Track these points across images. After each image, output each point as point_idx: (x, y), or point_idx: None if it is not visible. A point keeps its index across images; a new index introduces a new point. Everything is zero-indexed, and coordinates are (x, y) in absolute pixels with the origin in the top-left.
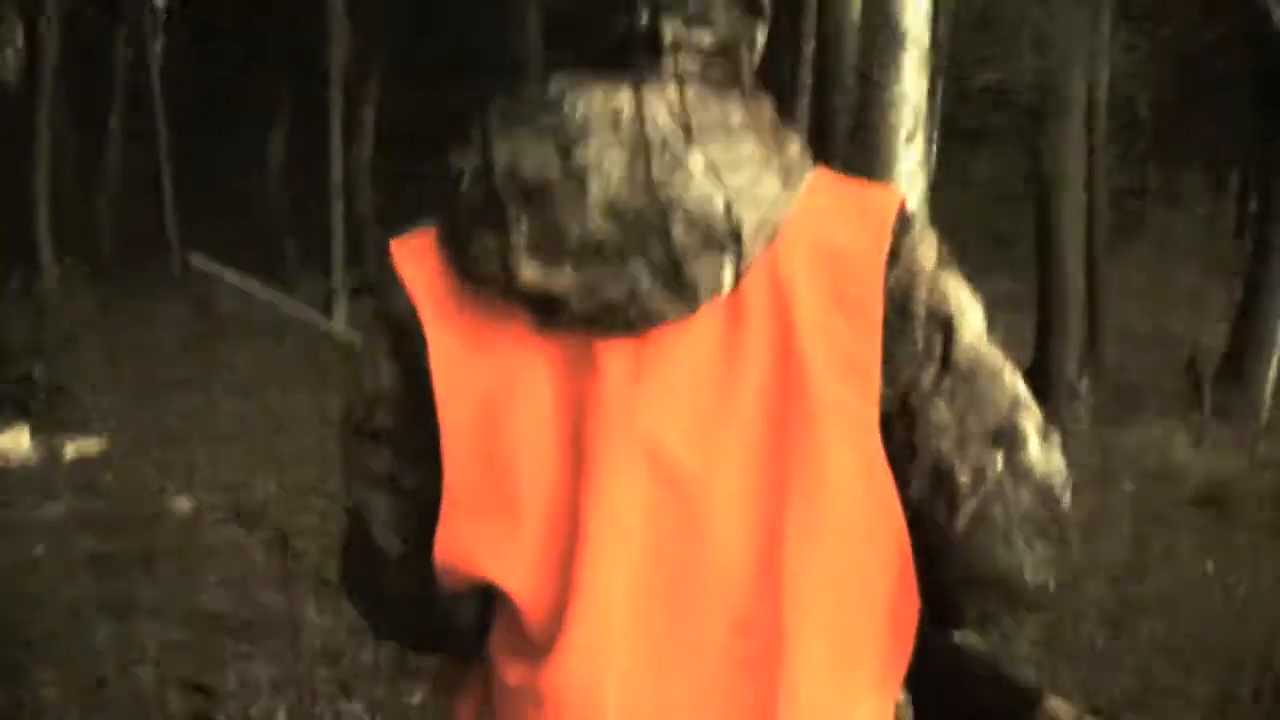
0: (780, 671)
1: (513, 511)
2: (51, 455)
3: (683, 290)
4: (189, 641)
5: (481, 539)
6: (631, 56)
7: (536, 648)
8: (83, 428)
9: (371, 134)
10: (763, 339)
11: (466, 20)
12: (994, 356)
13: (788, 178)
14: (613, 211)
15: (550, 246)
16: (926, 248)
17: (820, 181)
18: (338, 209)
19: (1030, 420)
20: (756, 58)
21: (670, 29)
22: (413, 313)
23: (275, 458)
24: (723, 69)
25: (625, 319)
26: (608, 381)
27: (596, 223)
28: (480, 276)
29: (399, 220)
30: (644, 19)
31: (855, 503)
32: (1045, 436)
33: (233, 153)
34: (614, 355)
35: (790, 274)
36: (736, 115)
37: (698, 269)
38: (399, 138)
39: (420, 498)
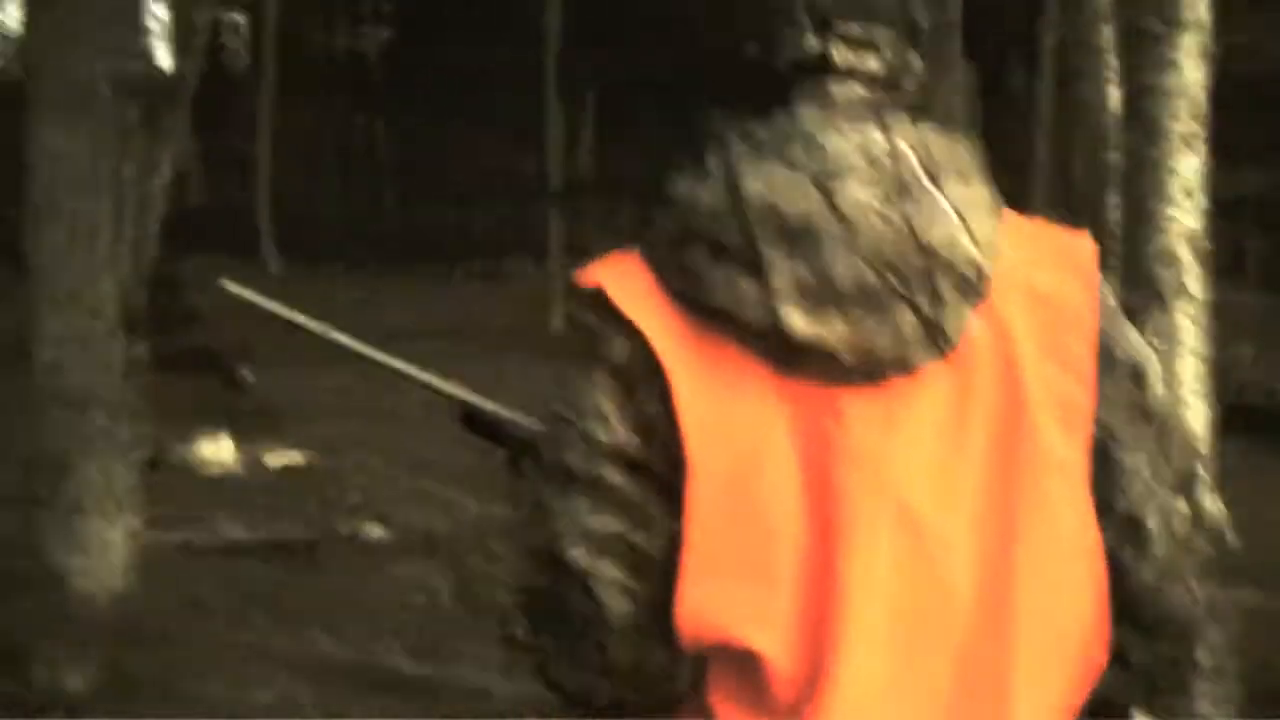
0: (1008, 706)
1: (766, 571)
2: (253, 465)
3: (938, 338)
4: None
5: (733, 600)
6: (804, 84)
7: (784, 710)
8: (287, 438)
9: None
10: (991, 385)
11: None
12: (1171, 405)
13: (998, 219)
14: (879, 257)
15: (816, 293)
16: (1110, 295)
17: (1015, 221)
18: (554, 210)
19: (1202, 467)
20: (915, 90)
21: (839, 53)
22: (648, 362)
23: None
24: (905, 98)
25: (878, 370)
26: (855, 432)
27: (863, 269)
28: (720, 318)
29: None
30: (812, 43)
31: (1072, 549)
32: (1206, 484)
33: (452, 147)
34: (858, 406)
35: (1009, 319)
36: (961, 155)
37: (953, 316)
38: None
39: (652, 561)
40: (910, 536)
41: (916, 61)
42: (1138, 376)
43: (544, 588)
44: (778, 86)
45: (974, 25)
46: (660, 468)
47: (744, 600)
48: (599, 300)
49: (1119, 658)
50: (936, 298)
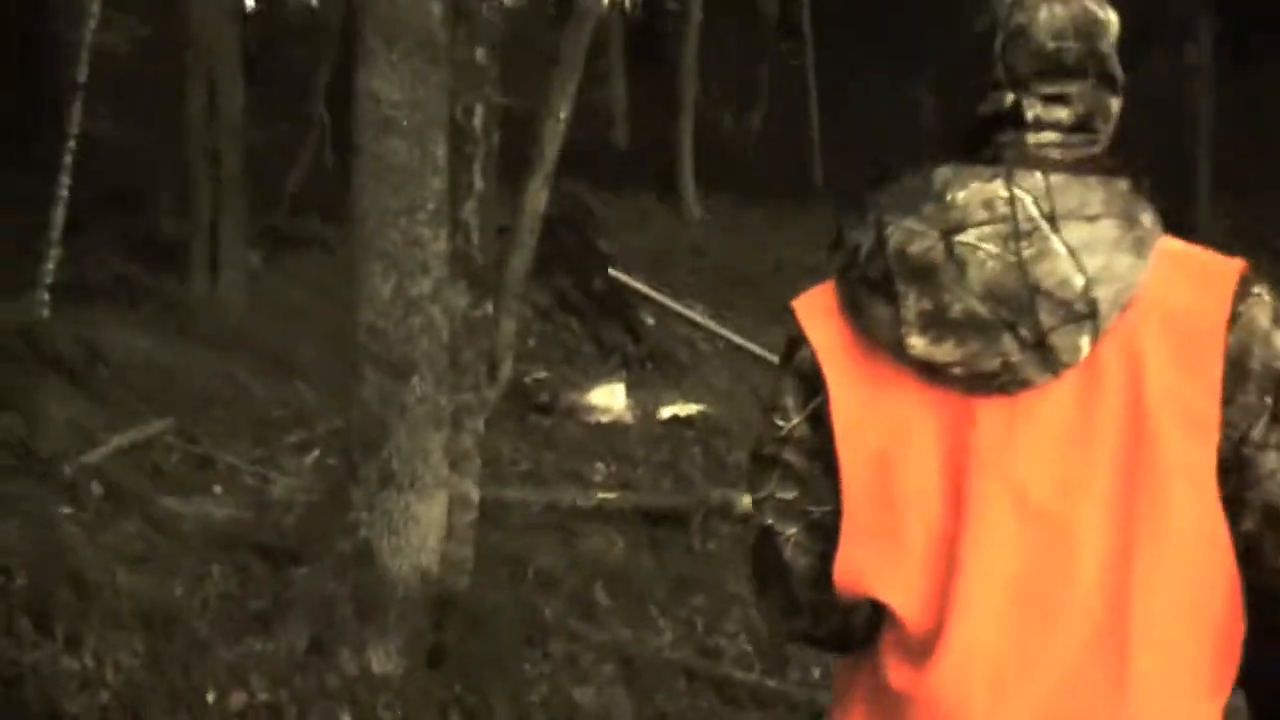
0: (1127, 684)
1: (900, 541)
2: (643, 415)
3: (1047, 359)
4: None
5: (872, 563)
6: (1000, 133)
7: (917, 654)
8: (682, 387)
9: None
10: (1117, 399)
11: None
12: None
13: (1140, 250)
14: (988, 292)
15: (935, 321)
16: (1263, 310)
17: (1168, 250)
18: None
19: None
20: (1111, 128)
21: (1031, 110)
22: (817, 368)
23: None
24: (1082, 139)
25: (999, 384)
26: (983, 435)
27: (974, 302)
28: (876, 339)
29: None
30: (1009, 100)
31: (1194, 542)
32: None
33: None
34: (989, 412)
35: (1142, 339)
36: (1095, 200)
37: (1059, 341)
38: None
39: (824, 525)
40: (1032, 522)
41: (1113, 105)
42: (1276, 385)
43: (753, 546)
44: (981, 136)
45: None
46: (828, 453)
47: (881, 562)
48: (793, 318)
49: (1271, 632)
50: (1040, 326)
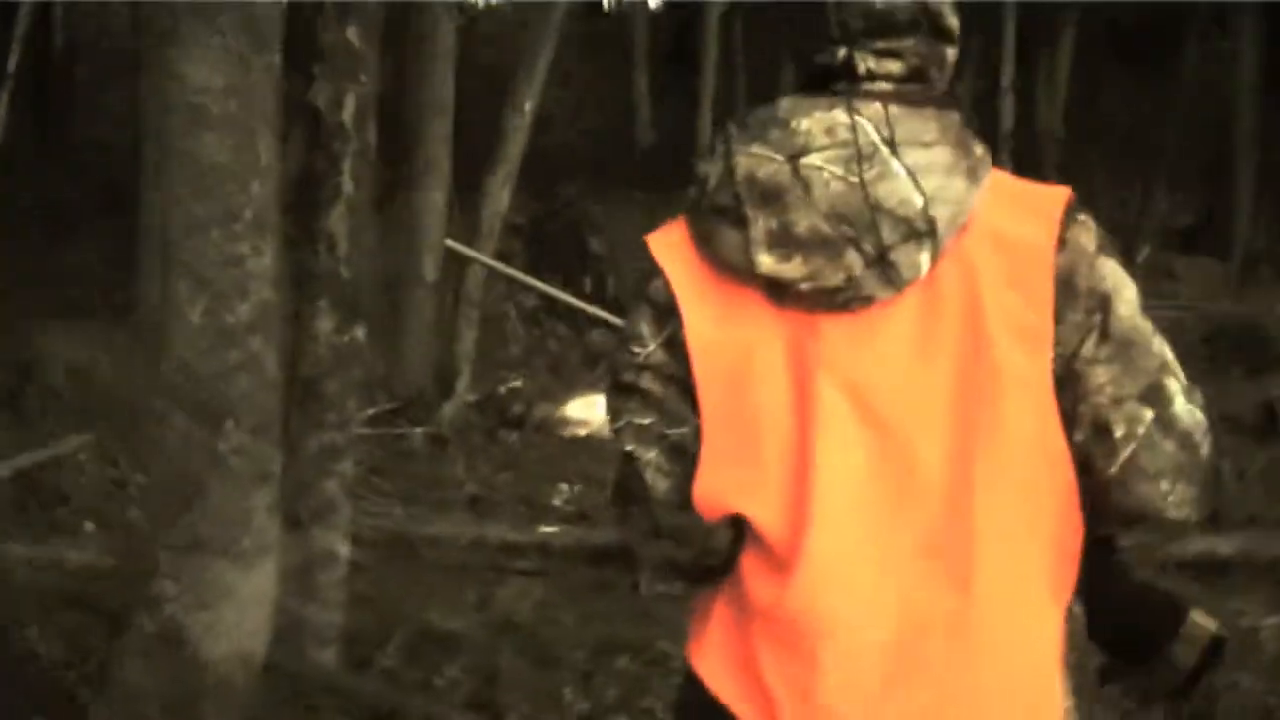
0: (971, 583)
1: (757, 457)
2: None
3: (889, 275)
4: None
5: (733, 479)
6: (835, 82)
7: (777, 569)
8: None
9: None
10: (956, 315)
11: None
12: (1145, 327)
13: (973, 177)
14: (833, 211)
15: (782, 239)
16: (1088, 235)
17: (1000, 180)
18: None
19: (1175, 381)
20: (947, 75)
21: (863, 63)
22: (671, 296)
23: None
24: (916, 88)
25: (843, 300)
26: (830, 350)
27: (819, 220)
28: (726, 264)
29: None
30: (841, 54)
31: (1031, 449)
32: (1189, 395)
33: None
34: (835, 328)
35: (977, 260)
36: (931, 129)
37: (900, 257)
38: None
39: (682, 446)
40: (876, 433)
41: (948, 54)
42: (1103, 302)
43: (615, 474)
44: (821, 85)
45: None
46: (684, 377)
47: (739, 478)
48: (646, 251)
49: (1107, 541)
50: (882, 243)
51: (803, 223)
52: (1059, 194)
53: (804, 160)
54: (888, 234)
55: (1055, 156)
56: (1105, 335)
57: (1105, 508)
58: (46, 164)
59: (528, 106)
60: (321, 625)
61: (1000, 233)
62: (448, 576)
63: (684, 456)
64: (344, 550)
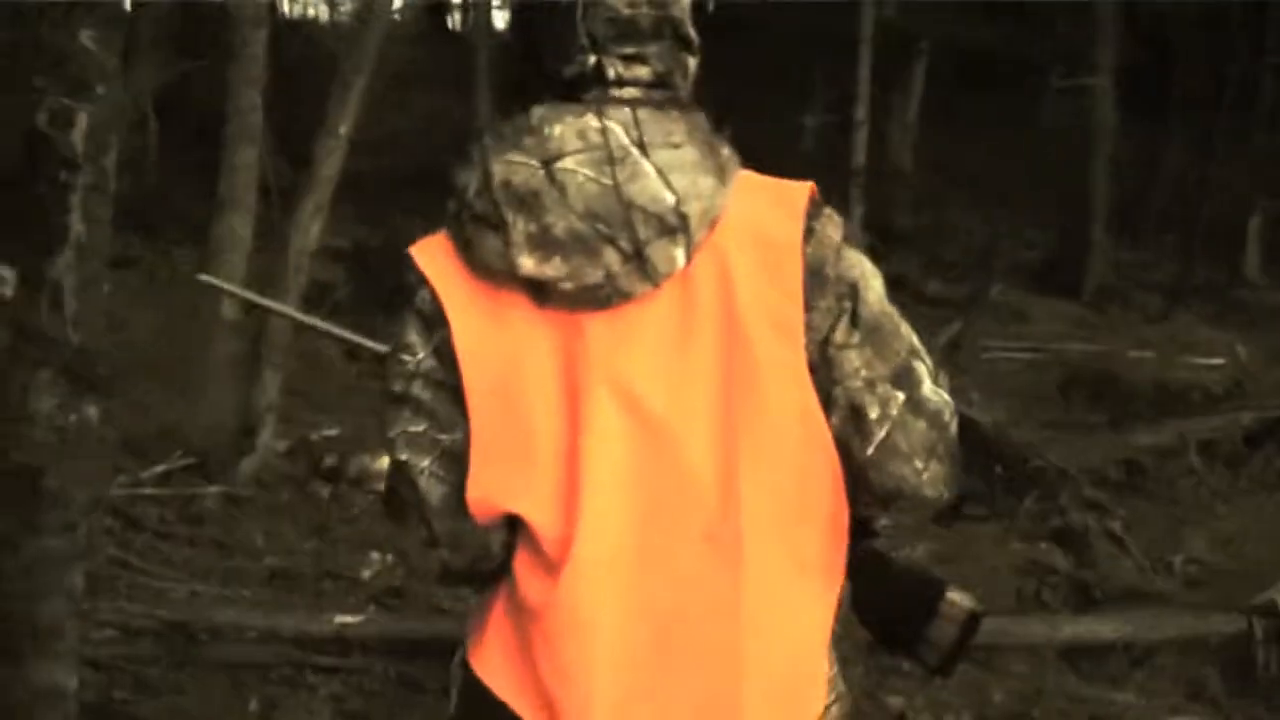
0: (742, 572)
1: (528, 456)
2: None
3: (645, 270)
4: None
5: (506, 480)
6: (586, 90)
7: (549, 568)
8: None
9: None
10: (712, 307)
11: None
12: (893, 313)
13: (722, 176)
14: (588, 211)
15: (541, 241)
16: (834, 227)
17: (747, 178)
18: None
19: (923, 364)
20: (690, 82)
21: (612, 69)
22: (437, 305)
23: None
24: (662, 94)
25: (603, 296)
26: (592, 347)
27: (576, 221)
28: (488, 270)
29: None
30: (591, 61)
31: (793, 435)
32: (935, 378)
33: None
34: (596, 325)
35: (730, 253)
36: (678, 130)
37: (655, 253)
38: None
39: (454, 452)
40: (642, 426)
41: (690, 63)
42: (851, 291)
43: (387, 485)
44: (572, 93)
45: None
46: (454, 384)
47: (512, 479)
48: (409, 263)
49: (867, 522)
50: (638, 239)
51: (560, 224)
52: (803, 188)
53: (558, 164)
54: (642, 231)
55: (907, 192)
56: (855, 321)
57: (862, 489)
58: None
59: (342, 130)
60: None
61: (751, 227)
62: (220, 691)
63: (457, 463)
64: (71, 684)
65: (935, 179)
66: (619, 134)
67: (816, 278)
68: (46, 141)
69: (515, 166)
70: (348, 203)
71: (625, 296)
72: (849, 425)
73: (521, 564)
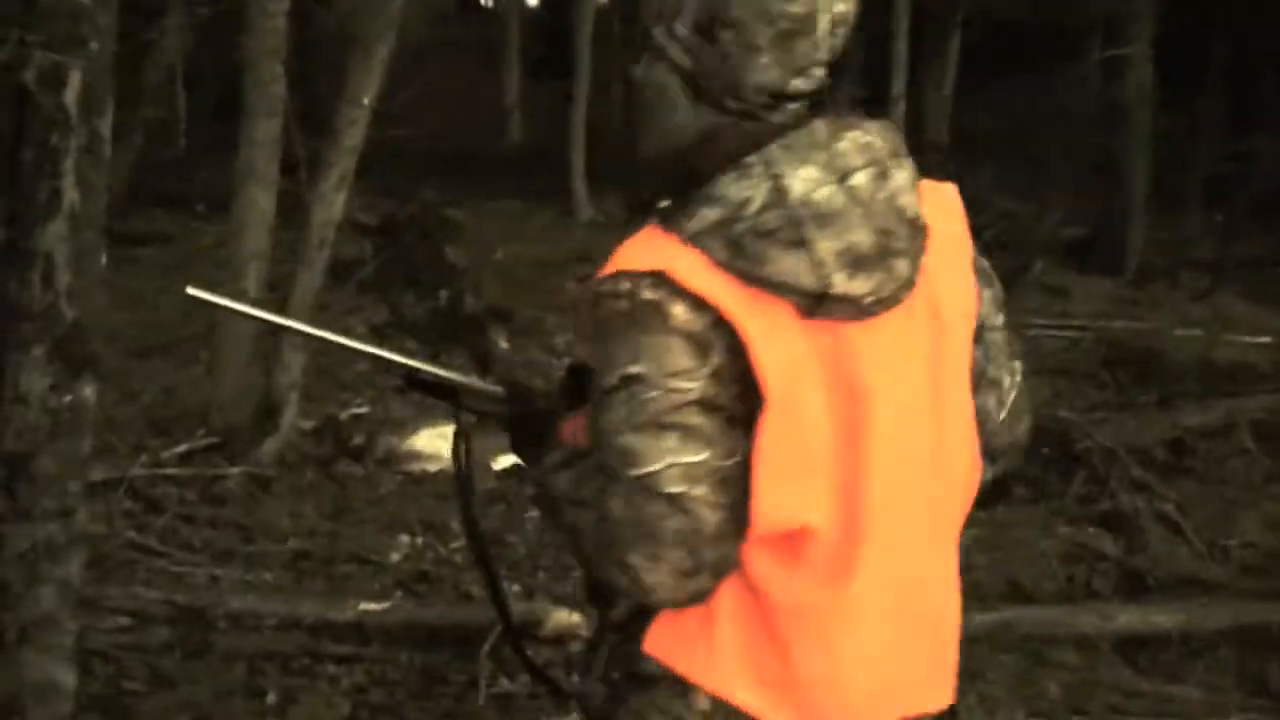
0: (948, 546)
1: (813, 467)
2: (484, 465)
3: (915, 278)
4: None
5: (795, 493)
6: (822, 104)
7: (834, 569)
8: None
9: None
10: (924, 305)
11: None
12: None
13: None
14: (881, 226)
15: (849, 260)
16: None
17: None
18: None
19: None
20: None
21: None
22: (717, 324)
23: None
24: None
25: (884, 307)
26: (858, 353)
27: (875, 237)
28: (776, 286)
29: None
30: (819, 75)
31: (969, 416)
32: None
33: None
34: (852, 332)
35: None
36: (899, 138)
37: (920, 260)
38: None
39: (733, 477)
40: (909, 426)
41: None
42: (990, 279)
43: (640, 520)
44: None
45: None
46: (730, 407)
47: (802, 492)
48: (661, 280)
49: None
50: (916, 249)
51: (865, 241)
52: (950, 187)
53: (851, 181)
54: (917, 240)
55: (944, 166)
56: (1000, 303)
57: (993, 444)
58: None
59: (365, 100)
60: None
61: (937, 231)
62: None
63: (733, 486)
64: (68, 679)
65: (972, 153)
66: (879, 146)
67: (981, 271)
68: (35, 102)
69: (813, 182)
70: (376, 176)
71: (891, 305)
72: (991, 397)
73: (788, 572)
